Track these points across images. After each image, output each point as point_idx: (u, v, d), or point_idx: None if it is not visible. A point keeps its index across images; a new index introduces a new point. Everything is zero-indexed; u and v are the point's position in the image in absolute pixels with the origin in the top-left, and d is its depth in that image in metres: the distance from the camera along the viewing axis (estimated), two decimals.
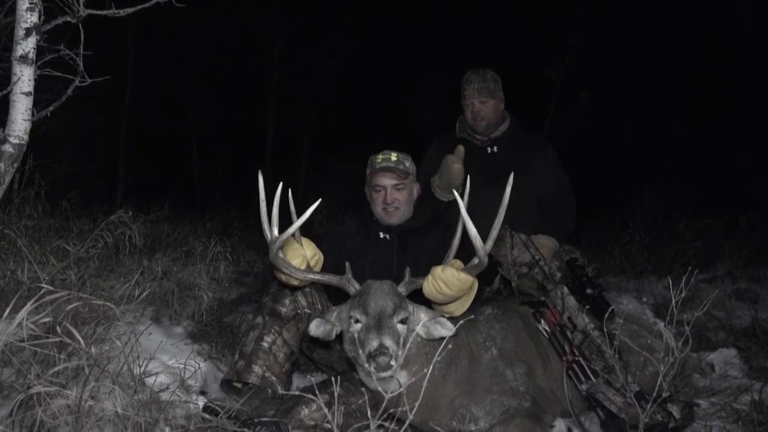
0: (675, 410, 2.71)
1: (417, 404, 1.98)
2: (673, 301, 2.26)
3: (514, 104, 3.97)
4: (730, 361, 3.28)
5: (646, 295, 4.49)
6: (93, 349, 1.75)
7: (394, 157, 3.11)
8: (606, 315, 2.55)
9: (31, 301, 1.47)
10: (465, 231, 2.40)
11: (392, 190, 3.07)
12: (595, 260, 5.05)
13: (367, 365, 2.19)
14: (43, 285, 1.59)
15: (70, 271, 3.45)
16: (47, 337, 1.60)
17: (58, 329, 1.62)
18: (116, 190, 11.12)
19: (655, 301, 4.35)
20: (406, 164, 3.12)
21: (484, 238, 2.38)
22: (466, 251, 2.51)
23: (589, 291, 2.78)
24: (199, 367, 2.73)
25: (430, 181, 3.65)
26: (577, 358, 2.62)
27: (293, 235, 2.56)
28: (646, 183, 6.72)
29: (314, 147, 13.55)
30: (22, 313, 1.44)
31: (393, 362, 2.19)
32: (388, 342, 2.21)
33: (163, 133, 12.75)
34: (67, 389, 1.55)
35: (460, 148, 3.61)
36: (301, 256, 2.59)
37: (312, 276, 2.55)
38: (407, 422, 1.88)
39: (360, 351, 2.25)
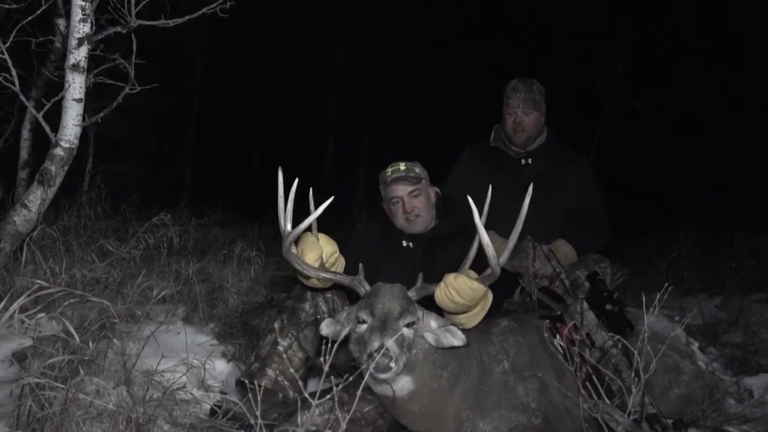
0: None
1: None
2: (648, 313, 2.13)
3: (564, 113, 3.88)
4: None
5: (693, 313, 4.28)
6: (91, 345, 1.83)
7: (402, 166, 3.14)
8: (597, 328, 2.46)
9: (24, 296, 1.57)
10: None
11: (409, 198, 3.10)
12: (640, 276, 4.85)
13: (366, 365, 2.19)
14: (38, 281, 1.69)
15: (113, 270, 3.64)
16: (41, 332, 1.69)
17: (54, 324, 1.71)
18: (182, 195, 11.61)
19: (703, 320, 4.14)
20: (416, 170, 3.14)
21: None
22: (485, 262, 2.47)
23: (608, 307, 2.68)
24: (205, 367, 2.78)
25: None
26: (590, 375, 2.52)
27: (311, 231, 2.59)
28: (700, 196, 6.43)
29: (374, 149, 13.71)
30: (15, 305, 1.54)
31: (393, 364, 2.18)
32: (390, 343, 2.20)
33: (228, 140, 13.26)
34: (57, 383, 1.64)
35: None
36: (317, 252, 2.57)
37: (324, 274, 2.55)
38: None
39: (363, 351, 2.26)
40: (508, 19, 10.72)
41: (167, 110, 10.89)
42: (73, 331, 1.70)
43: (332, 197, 2.42)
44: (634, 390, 1.99)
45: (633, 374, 2.49)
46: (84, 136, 7.44)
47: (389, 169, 3.12)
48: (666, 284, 2.15)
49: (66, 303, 1.84)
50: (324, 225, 2.64)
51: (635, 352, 2.22)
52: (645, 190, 8.07)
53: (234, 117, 13.42)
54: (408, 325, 2.33)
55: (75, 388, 1.66)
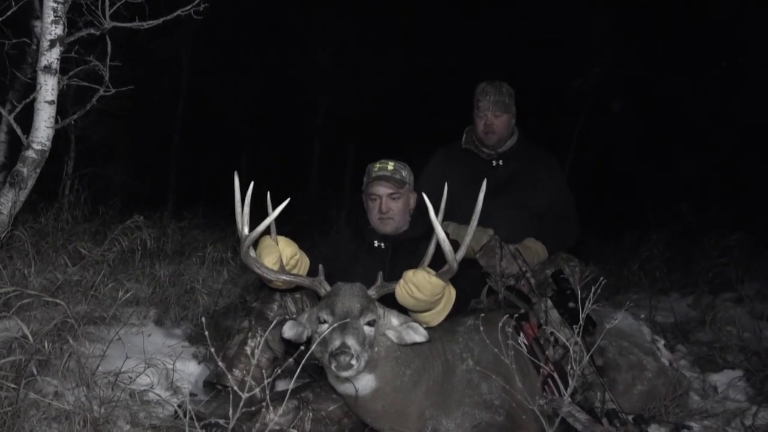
0: (660, 431, 2.62)
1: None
2: (584, 308, 2.15)
3: (542, 114, 3.91)
4: (733, 384, 3.12)
5: (665, 312, 4.33)
6: (47, 346, 1.84)
7: (390, 166, 3.12)
8: (561, 326, 2.49)
9: None
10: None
11: (387, 200, 3.08)
12: (614, 276, 4.90)
13: (328, 364, 2.22)
14: None
15: (85, 273, 3.64)
16: None
17: (8, 324, 1.72)
18: (167, 198, 11.56)
19: (675, 319, 4.18)
20: (403, 174, 3.13)
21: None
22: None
23: (571, 305, 2.71)
24: (174, 369, 2.79)
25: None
26: (552, 373, 2.55)
27: (269, 234, 2.60)
28: (674, 197, 6.51)
29: (361, 156, 13.73)
30: None
31: (354, 362, 2.20)
32: (351, 341, 2.22)
33: (214, 142, 13.22)
34: (9, 383, 1.65)
35: None
36: (275, 255, 2.57)
37: (284, 276, 2.55)
38: None
39: (324, 351, 2.27)
40: (487, 21, 10.79)
41: (152, 113, 10.86)
42: (26, 331, 1.70)
43: (288, 199, 2.44)
44: (571, 382, 2.02)
45: (585, 370, 2.54)
46: (65, 140, 7.40)
47: (377, 165, 3.11)
48: (601, 278, 2.17)
49: (19, 303, 1.86)
50: (307, 227, 2.64)
51: (568, 347, 2.23)
52: (621, 191, 8.15)
53: (220, 119, 13.38)
54: (368, 323, 2.35)
55: (27, 388, 1.67)
